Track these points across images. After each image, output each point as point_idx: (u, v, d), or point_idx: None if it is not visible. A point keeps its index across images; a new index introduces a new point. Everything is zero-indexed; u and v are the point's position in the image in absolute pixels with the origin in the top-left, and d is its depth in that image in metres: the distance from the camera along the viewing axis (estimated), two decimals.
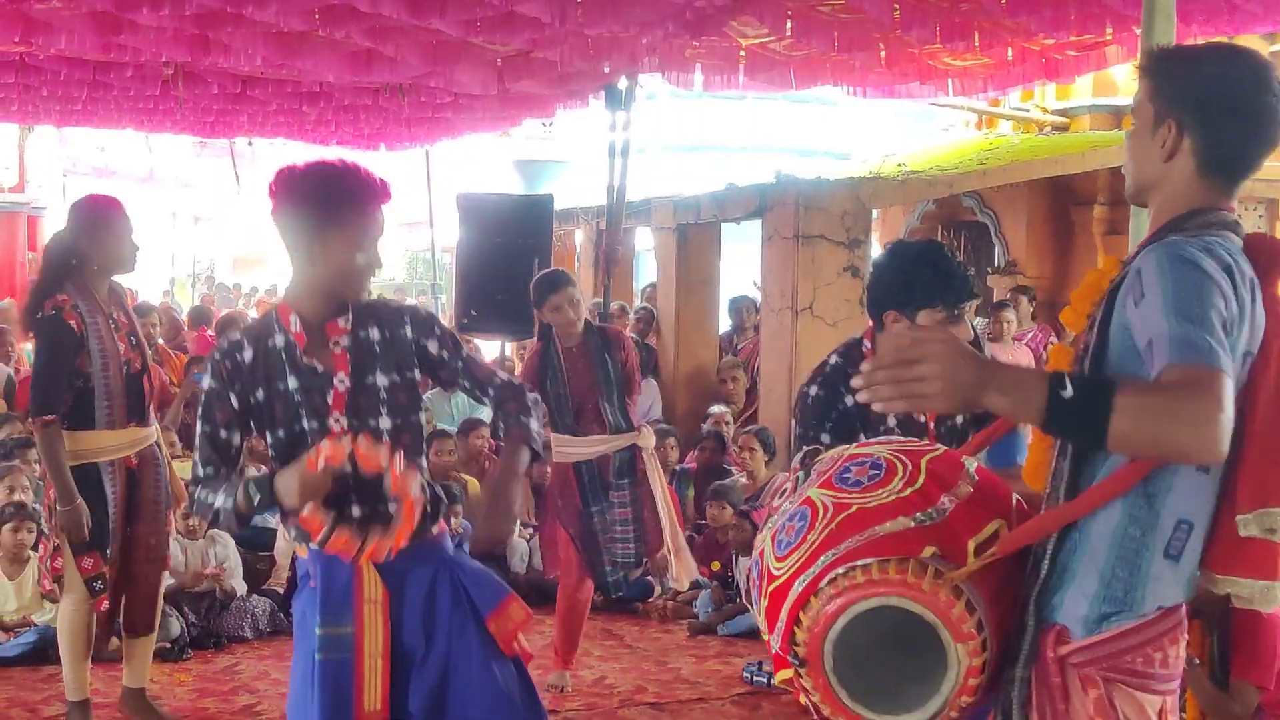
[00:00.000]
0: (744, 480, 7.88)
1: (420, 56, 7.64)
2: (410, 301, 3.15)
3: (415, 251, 27.25)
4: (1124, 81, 9.82)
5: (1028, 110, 11.29)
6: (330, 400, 3.03)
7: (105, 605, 4.99)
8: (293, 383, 3.03)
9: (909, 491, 2.24)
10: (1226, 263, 2.06)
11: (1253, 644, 4.38)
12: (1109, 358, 2.14)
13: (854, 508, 2.25)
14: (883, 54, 7.80)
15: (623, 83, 9.05)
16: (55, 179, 18.82)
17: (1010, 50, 7.76)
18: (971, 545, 2.16)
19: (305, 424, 3.03)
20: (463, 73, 8.24)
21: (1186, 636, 2.21)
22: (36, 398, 4.78)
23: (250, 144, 15.12)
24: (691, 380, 10.31)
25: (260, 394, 3.05)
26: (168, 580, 6.54)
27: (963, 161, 10.35)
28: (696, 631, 7.00)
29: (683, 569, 6.23)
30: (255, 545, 7.36)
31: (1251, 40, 9.52)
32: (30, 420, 4.95)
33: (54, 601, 6.26)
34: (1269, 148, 2.22)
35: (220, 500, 2.99)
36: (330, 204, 2.96)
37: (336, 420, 3.02)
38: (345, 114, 10.97)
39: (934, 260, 3.44)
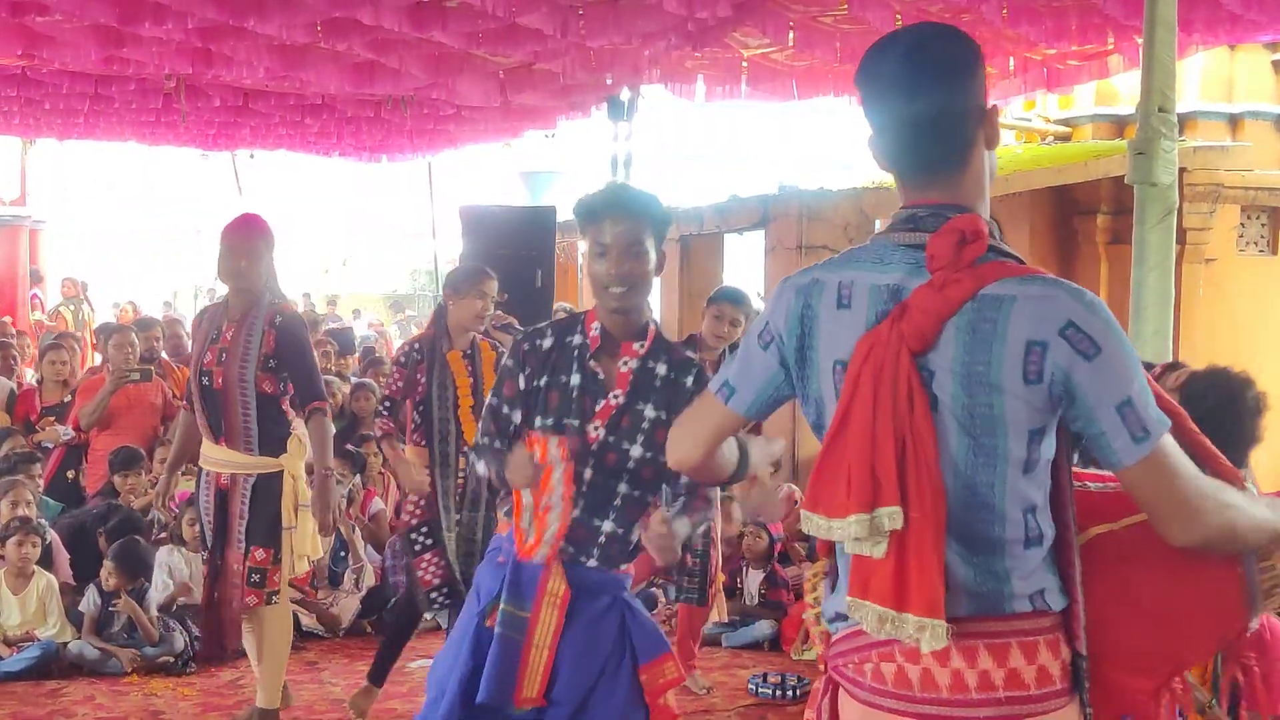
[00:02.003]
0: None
1: (423, 68, 7.65)
2: (700, 363, 3.32)
3: (418, 264, 27.27)
4: (1126, 91, 9.80)
5: (1030, 120, 11.28)
6: (598, 408, 3.17)
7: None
8: (575, 379, 3.19)
9: None
10: (810, 279, 2.10)
11: (1263, 674, 4.35)
12: None
13: None
14: None
15: (625, 94, 9.07)
16: (57, 192, 18.85)
17: (1012, 60, 7.76)
18: None
19: (570, 420, 3.17)
20: (465, 84, 8.25)
21: (947, 665, 1.98)
22: None
23: (252, 156, 15.15)
24: None
25: (544, 380, 3.21)
26: (166, 591, 6.56)
27: None
28: (703, 643, 6.98)
29: (720, 607, 6.32)
30: None
31: (1253, 49, 9.54)
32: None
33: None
34: (919, 130, 2.02)
35: (482, 467, 3.26)
36: (579, 216, 3.23)
37: (595, 428, 3.16)
38: (348, 126, 11.00)
39: None
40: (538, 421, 3.18)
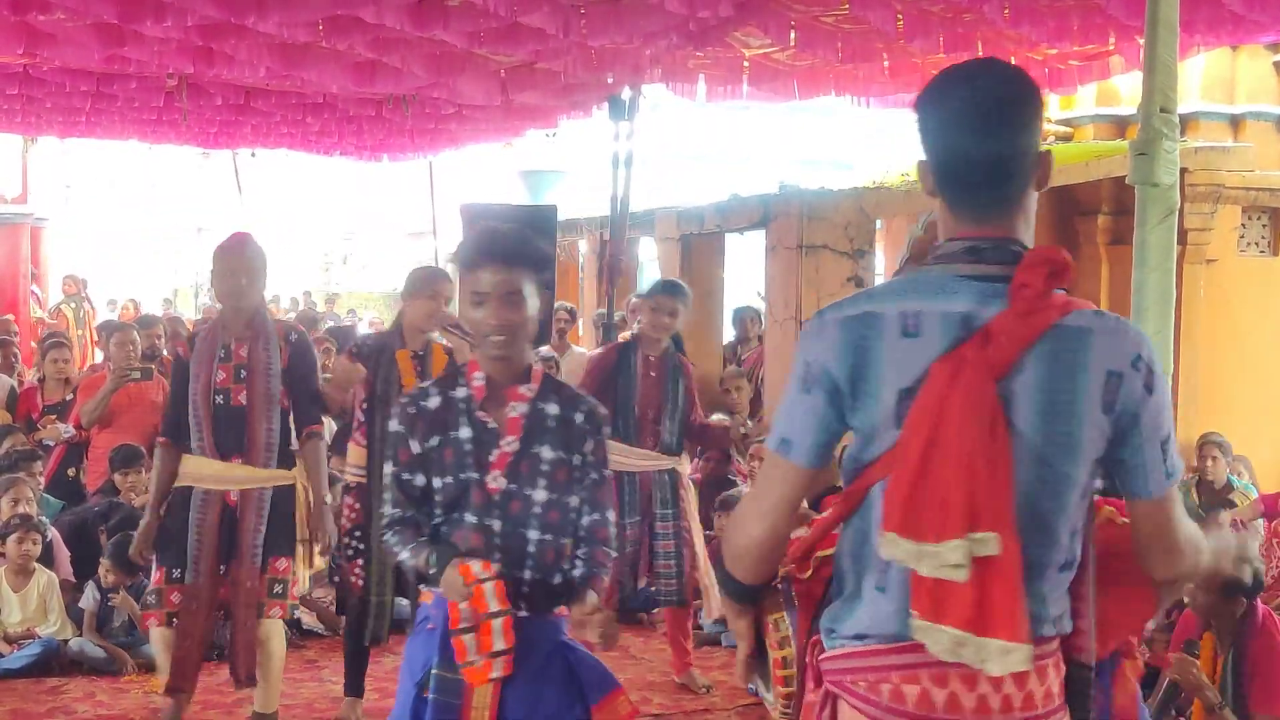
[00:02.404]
0: (747, 490, 7.88)
1: (424, 67, 7.64)
2: (592, 399, 3.32)
3: (419, 262, 27.25)
4: (1127, 91, 9.80)
5: None
6: (494, 458, 3.13)
7: (151, 623, 5.08)
8: (465, 433, 3.15)
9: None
10: (859, 311, 2.07)
11: (1269, 674, 4.36)
12: None
13: None
14: (886, 64, 7.80)
15: (626, 93, 9.06)
16: (58, 190, 18.83)
17: (1013, 60, 7.75)
18: (818, 556, 2.30)
19: (469, 474, 3.12)
20: (466, 84, 8.25)
21: (975, 689, 2.02)
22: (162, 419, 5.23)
23: (253, 154, 15.14)
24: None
25: (436, 440, 3.15)
26: None
27: None
28: (701, 642, 6.98)
29: (713, 603, 6.30)
30: None
31: (1255, 50, 9.53)
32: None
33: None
34: (989, 172, 2.08)
35: (407, 555, 3.16)
36: (458, 260, 3.22)
37: (495, 479, 3.12)
38: (349, 125, 10.99)
39: None
40: (436, 482, 3.14)
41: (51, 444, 8.04)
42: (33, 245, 17.52)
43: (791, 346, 8.78)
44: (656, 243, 11.27)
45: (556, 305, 9.71)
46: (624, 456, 5.96)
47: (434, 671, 3.11)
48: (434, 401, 3.18)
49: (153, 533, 5.04)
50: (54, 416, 8.23)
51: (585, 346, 11.91)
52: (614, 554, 3.29)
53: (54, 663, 6.23)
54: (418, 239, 22.47)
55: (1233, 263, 9.36)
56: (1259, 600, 4.59)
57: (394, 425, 3.21)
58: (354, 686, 5.56)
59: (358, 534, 5.32)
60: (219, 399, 4.92)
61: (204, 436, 4.92)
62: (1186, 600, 4.61)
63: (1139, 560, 2.16)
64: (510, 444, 3.14)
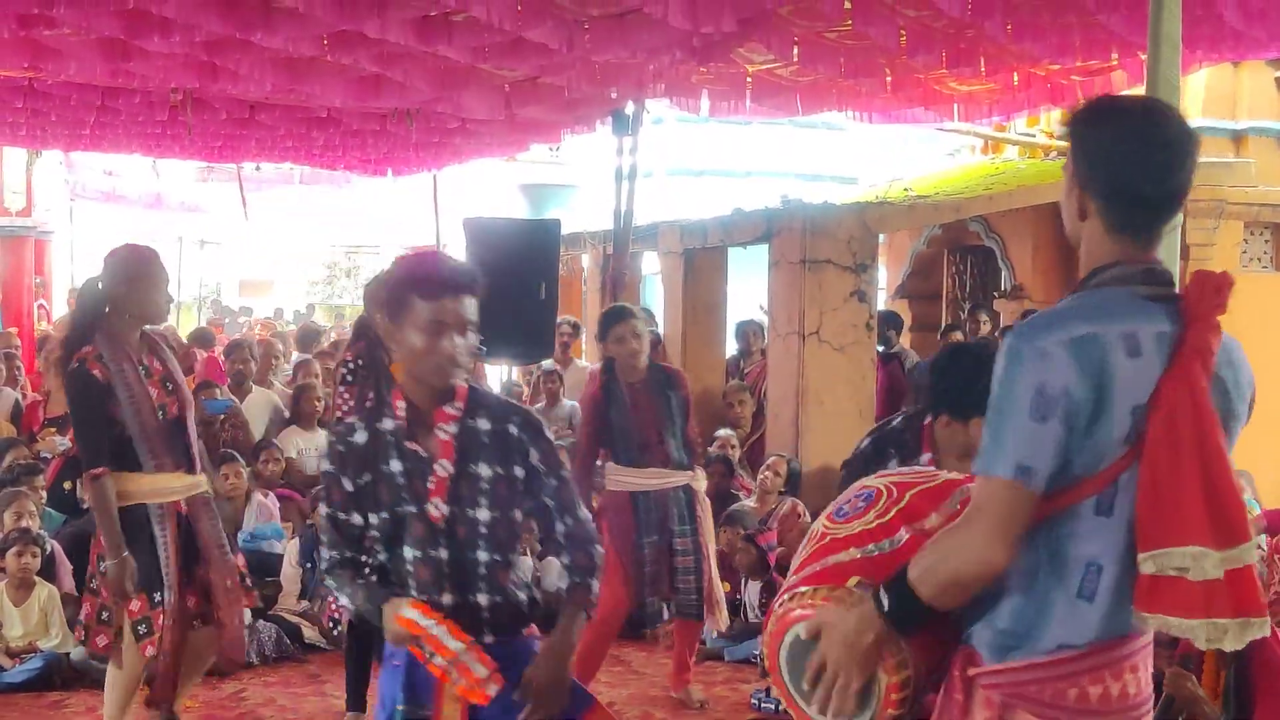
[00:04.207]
0: (752, 504, 7.87)
1: (428, 82, 7.66)
2: (524, 405, 3.30)
3: None
4: None
5: (1034, 135, 11.29)
6: (431, 485, 3.06)
7: (150, 651, 4.83)
8: (396, 466, 3.08)
9: (876, 524, 2.46)
10: (1081, 333, 2.14)
11: (1273, 688, 4.35)
12: None
13: (829, 537, 2.49)
14: (888, 79, 7.81)
15: (630, 108, 9.09)
16: (63, 203, 18.86)
17: (1016, 76, 7.77)
18: None
19: (406, 507, 3.06)
20: (470, 98, 8.27)
21: (1137, 674, 2.26)
22: (84, 452, 4.79)
23: (258, 168, 15.16)
24: (698, 404, 10.22)
25: (368, 476, 3.09)
26: None
27: (969, 186, 10.35)
28: (704, 657, 6.97)
29: (721, 617, 6.30)
30: (262, 571, 7.33)
31: (1256, 66, 9.55)
32: (83, 475, 4.80)
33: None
34: (1170, 205, 2.28)
35: (346, 598, 3.13)
36: (397, 292, 3.09)
37: (435, 506, 3.05)
38: (353, 139, 11.00)
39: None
40: (373, 519, 3.08)
41: (49, 457, 8.05)
42: (38, 258, 17.54)
43: (795, 360, 8.82)
44: (660, 257, 11.29)
45: (560, 319, 9.71)
46: (636, 478, 5.99)
47: (400, 708, 3.06)
48: (361, 437, 3.12)
49: (131, 566, 4.71)
50: (54, 429, 8.23)
51: (588, 360, 11.92)
52: (601, 550, 3.23)
53: (56, 676, 6.23)
54: None
55: (1235, 278, 9.36)
56: None
57: (325, 465, 3.16)
58: (356, 702, 5.56)
59: None
60: (161, 415, 4.80)
61: (158, 455, 4.78)
62: None
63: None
64: (444, 468, 3.06)
